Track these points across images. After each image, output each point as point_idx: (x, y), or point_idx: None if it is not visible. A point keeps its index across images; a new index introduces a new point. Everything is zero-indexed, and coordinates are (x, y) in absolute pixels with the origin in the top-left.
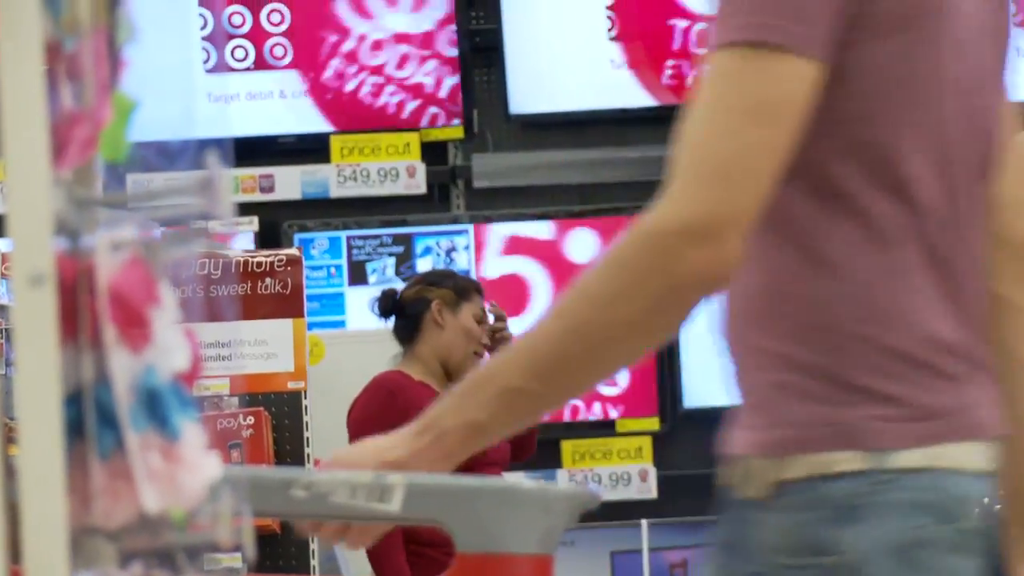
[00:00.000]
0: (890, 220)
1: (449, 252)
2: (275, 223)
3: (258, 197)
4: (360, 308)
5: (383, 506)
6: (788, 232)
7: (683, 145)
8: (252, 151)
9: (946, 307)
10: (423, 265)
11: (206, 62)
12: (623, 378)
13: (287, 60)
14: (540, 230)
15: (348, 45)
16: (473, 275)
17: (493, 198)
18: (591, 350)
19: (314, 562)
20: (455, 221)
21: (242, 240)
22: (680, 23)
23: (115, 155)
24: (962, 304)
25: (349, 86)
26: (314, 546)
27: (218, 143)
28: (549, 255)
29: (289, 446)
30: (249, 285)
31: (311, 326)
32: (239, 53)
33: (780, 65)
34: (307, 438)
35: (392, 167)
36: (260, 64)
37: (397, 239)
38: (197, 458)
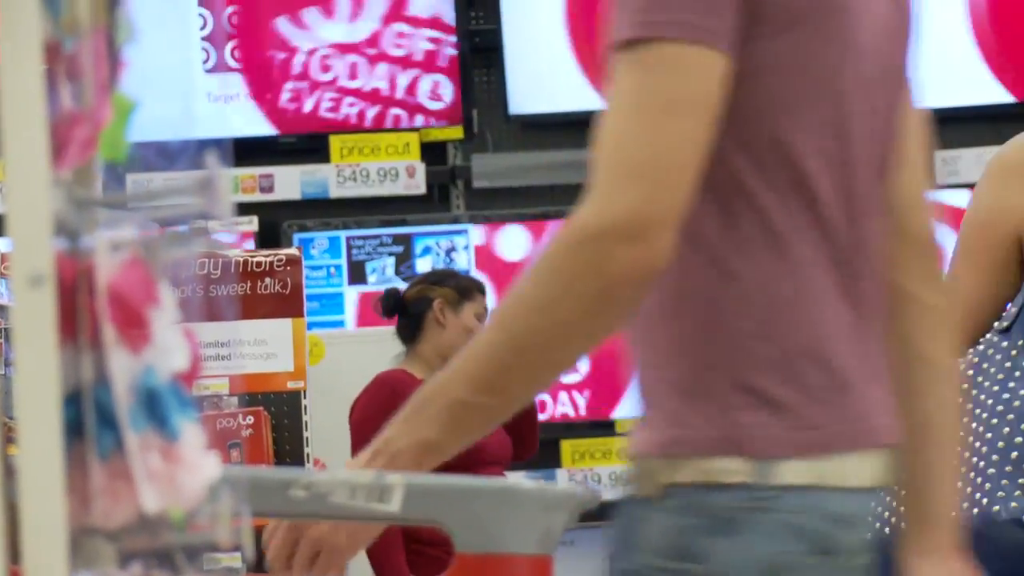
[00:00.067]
0: (788, 220)
1: (449, 252)
2: (275, 223)
3: (258, 197)
4: (359, 308)
5: (382, 506)
6: (689, 231)
7: (603, 144)
8: (252, 151)
9: (843, 310)
10: (423, 265)
11: (206, 62)
12: (623, 378)
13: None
14: (540, 230)
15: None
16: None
17: (493, 198)
18: (531, 357)
19: None
20: (455, 221)
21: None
22: None
23: (115, 155)
24: (860, 307)
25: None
26: None
27: (218, 143)
28: None
29: (289, 446)
30: (249, 285)
31: (311, 326)
32: (239, 53)
33: (692, 58)
34: (307, 438)
35: (392, 167)
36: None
37: (397, 239)
38: (196, 458)
